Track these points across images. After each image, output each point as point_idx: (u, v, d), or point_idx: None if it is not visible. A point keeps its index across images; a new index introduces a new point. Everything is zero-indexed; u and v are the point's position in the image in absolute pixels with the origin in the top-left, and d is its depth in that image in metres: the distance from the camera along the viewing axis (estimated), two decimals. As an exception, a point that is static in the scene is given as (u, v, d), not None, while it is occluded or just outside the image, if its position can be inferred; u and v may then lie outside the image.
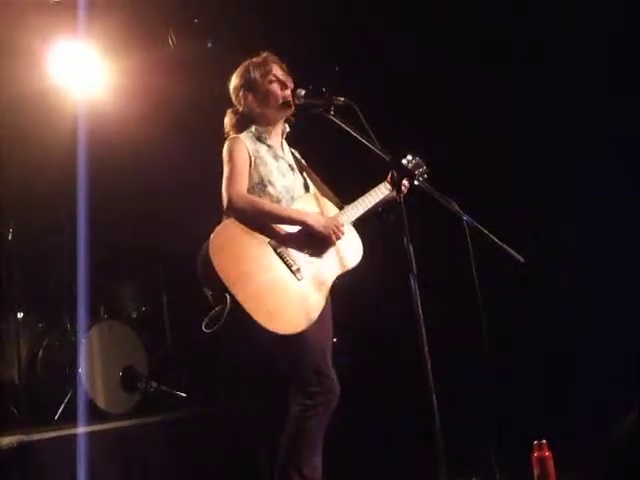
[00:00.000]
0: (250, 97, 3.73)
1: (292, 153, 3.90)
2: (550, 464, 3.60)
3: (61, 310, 5.95)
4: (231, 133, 3.76)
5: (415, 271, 3.04)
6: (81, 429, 4.60)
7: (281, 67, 3.79)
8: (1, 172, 5.69)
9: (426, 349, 2.97)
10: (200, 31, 6.08)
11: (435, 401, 2.94)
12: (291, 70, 3.81)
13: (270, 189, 3.59)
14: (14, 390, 5.47)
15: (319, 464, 3.52)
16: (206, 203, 3.60)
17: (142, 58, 5.83)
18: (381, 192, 3.83)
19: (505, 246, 3.25)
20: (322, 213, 3.69)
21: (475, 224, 3.23)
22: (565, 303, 4.98)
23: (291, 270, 3.41)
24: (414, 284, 3.03)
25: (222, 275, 3.23)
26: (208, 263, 3.25)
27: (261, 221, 3.46)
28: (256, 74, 3.72)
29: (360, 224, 3.79)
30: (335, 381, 3.46)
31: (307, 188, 3.78)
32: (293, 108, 3.73)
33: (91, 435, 4.54)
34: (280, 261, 3.42)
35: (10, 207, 5.77)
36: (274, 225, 3.49)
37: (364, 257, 3.66)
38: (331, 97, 3.50)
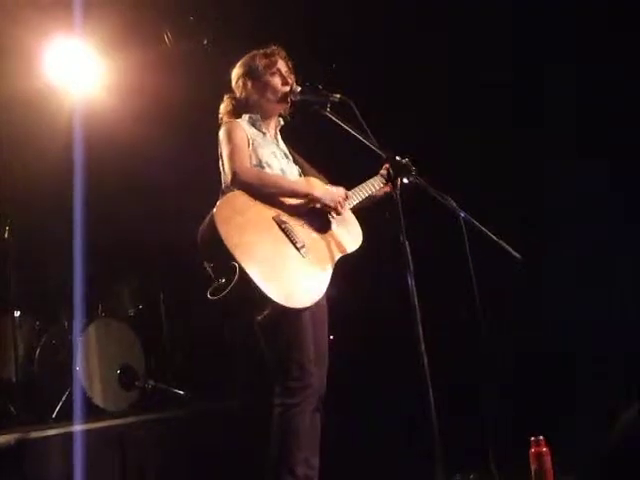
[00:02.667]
0: (250, 85, 3.74)
1: (286, 145, 3.90)
2: (547, 460, 3.60)
3: (58, 308, 5.96)
4: (225, 118, 3.76)
5: (412, 268, 3.04)
6: (78, 427, 4.60)
7: (287, 64, 3.80)
8: (-2, 171, 5.71)
9: (423, 346, 2.97)
10: (196, 29, 6.07)
11: (432, 398, 2.94)
12: (296, 70, 3.81)
13: (268, 170, 3.59)
14: (12, 388, 5.49)
15: (316, 462, 3.51)
16: (204, 200, 3.58)
17: (138, 56, 5.84)
18: (377, 184, 3.84)
19: (502, 242, 3.26)
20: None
21: (472, 220, 3.24)
22: (565, 299, 4.99)
23: (295, 247, 3.38)
24: (411, 281, 3.03)
25: (228, 243, 3.18)
26: (213, 232, 3.21)
27: (267, 192, 3.44)
28: (261, 63, 3.74)
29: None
30: (316, 378, 3.44)
31: (301, 176, 3.79)
32: (289, 104, 3.74)
33: (88, 433, 4.54)
34: (285, 237, 3.39)
35: (7, 205, 5.77)
36: (280, 198, 3.48)
37: (361, 249, 3.65)
38: (327, 94, 3.52)
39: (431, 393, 2.94)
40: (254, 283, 3.14)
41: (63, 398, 5.36)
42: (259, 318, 3.35)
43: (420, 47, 5.49)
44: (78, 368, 5.41)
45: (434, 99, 5.45)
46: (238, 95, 3.80)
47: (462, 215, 3.24)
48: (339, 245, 3.60)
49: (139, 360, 5.87)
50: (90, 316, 5.81)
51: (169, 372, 6.17)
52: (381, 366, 5.42)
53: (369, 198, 3.83)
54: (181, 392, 5.92)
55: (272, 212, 3.43)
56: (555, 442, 3.61)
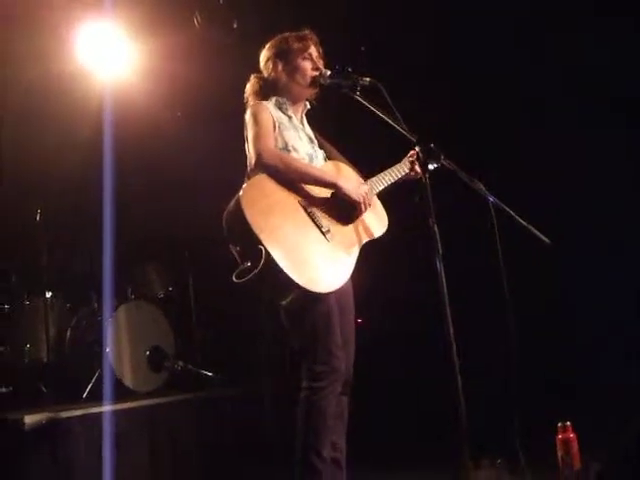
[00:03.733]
0: (280, 66, 3.71)
1: (312, 129, 3.88)
2: (574, 446, 3.60)
3: (89, 290, 6.02)
4: (250, 99, 3.74)
5: (441, 251, 3.03)
6: (108, 407, 4.65)
7: (318, 49, 3.77)
8: (29, 154, 5.75)
9: (451, 331, 2.97)
10: (226, 12, 6.06)
11: (460, 383, 2.94)
12: (325, 56, 3.80)
13: (294, 154, 3.57)
14: (43, 369, 5.57)
15: (343, 444, 3.54)
16: (232, 186, 3.59)
17: (168, 40, 5.84)
18: (403, 170, 3.82)
19: (531, 227, 3.23)
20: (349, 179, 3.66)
21: (501, 204, 3.22)
22: (594, 285, 4.96)
23: (321, 231, 3.38)
24: (439, 265, 3.02)
25: (254, 226, 3.17)
26: (239, 216, 3.20)
27: (292, 177, 3.42)
28: (293, 46, 3.70)
29: (385, 203, 3.78)
30: (342, 363, 3.43)
31: (326, 161, 3.76)
32: (317, 89, 3.73)
33: (118, 413, 4.61)
34: (311, 221, 3.39)
35: (37, 189, 5.83)
36: (304, 185, 3.46)
37: (389, 234, 3.65)
38: (357, 77, 3.48)
39: (459, 378, 2.94)
40: (279, 267, 3.15)
41: (93, 379, 5.42)
42: (284, 303, 3.36)
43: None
44: (108, 349, 5.46)
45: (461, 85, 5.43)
46: (266, 76, 3.77)
47: (491, 199, 3.22)
48: (366, 229, 3.59)
49: (168, 342, 5.91)
50: (120, 298, 5.88)
51: (198, 354, 6.21)
52: (410, 351, 5.42)
53: (397, 182, 3.80)
54: (210, 374, 5.96)
55: (297, 196, 3.42)
56: (582, 428, 3.61)
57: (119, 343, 5.60)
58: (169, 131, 6.07)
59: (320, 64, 3.72)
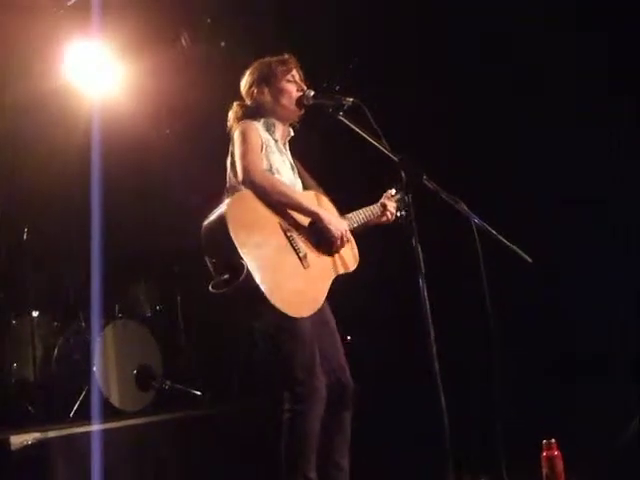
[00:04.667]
0: (266, 91, 3.73)
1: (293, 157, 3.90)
2: (559, 463, 3.60)
3: (76, 309, 6.00)
4: (234, 127, 3.73)
5: (423, 270, 3.05)
6: (96, 427, 4.64)
7: (299, 72, 3.80)
8: (16, 172, 5.75)
9: (434, 348, 2.98)
10: (213, 31, 6.10)
11: (443, 400, 2.95)
12: (306, 76, 3.83)
13: (278, 177, 3.58)
14: (30, 388, 5.54)
15: (344, 463, 3.55)
16: (220, 203, 3.60)
17: (155, 59, 5.87)
18: (376, 212, 3.86)
19: (513, 246, 3.25)
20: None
21: (483, 224, 3.23)
22: (574, 302, 4.99)
23: (298, 256, 3.41)
24: (422, 283, 3.04)
25: (237, 241, 3.20)
26: (221, 229, 3.23)
27: (277, 199, 3.43)
28: (277, 70, 3.74)
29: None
30: (323, 382, 3.43)
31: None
32: (302, 111, 3.75)
33: (106, 432, 4.58)
34: (289, 244, 3.41)
35: (25, 207, 5.83)
36: (286, 208, 3.47)
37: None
38: (340, 98, 3.51)
39: (442, 396, 2.95)
40: (257, 285, 3.18)
41: (80, 398, 5.40)
42: (257, 324, 3.38)
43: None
44: (95, 368, 5.44)
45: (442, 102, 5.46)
46: (250, 102, 3.79)
47: (474, 219, 3.24)
48: (342, 261, 3.62)
49: (156, 360, 5.90)
50: (107, 317, 5.85)
51: (186, 373, 6.20)
52: (392, 369, 5.43)
53: (365, 224, 3.83)
54: (198, 392, 5.95)
55: (279, 218, 3.44)
56: (567, 445, 3.62)
57: (106, 362, 5.59)
58: (157, 149, 6.10)
59: (303, 86, 3.75)
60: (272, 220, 3.42)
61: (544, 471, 3.62)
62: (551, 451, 3.61)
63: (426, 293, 3.03)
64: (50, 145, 5.94)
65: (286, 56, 3.81)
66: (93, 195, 5.69)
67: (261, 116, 3.74)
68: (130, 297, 6.29)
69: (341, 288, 3.56)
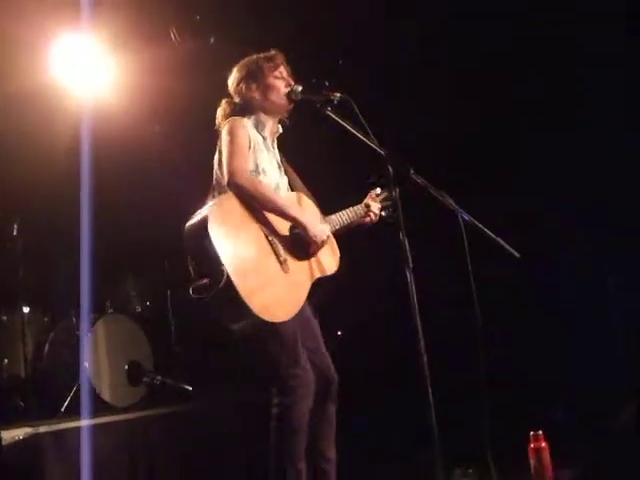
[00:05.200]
0: (254, 87, 3.73)
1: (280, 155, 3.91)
2: (546, 455, 3.64)
3: (67, 304, 5.99)
4: (222, 122, 3.73)
5: (411, 264, 3.07)
6: (87, 422, 4.65)
7: (286, 68, 3.81)
8: (4, 168, 5.74)
9: (422, 342, 3.00)
10: (202, 27, 6.09)
11: (431, 393, 2.98)
12: (293, 71, 3.84)
13: (263, 178, 3.59)
14: (21, 384, 5.55)
15: (332, 455, 3.59)
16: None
17: (145, 54, 5.84)
18: (359, 212, 3.89)
19: (500, 240, 3.27)
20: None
21: (470, 219, 3.25)
22: (562, 296, 5.02)
23: (279, 260, 3.43)
24: (410, 277, 3.06)
25: (218, 246, 3.22)
26: (204, 232, 3.24)
27: (259, 203, 3.45)
28: (264, 66, 3.74)
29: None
30: (310, 373, 3.47)
31: (289, 190, 3.80)
32: (291, 106, 3.76)
33: (97, 427, 4.59)
34: (270, 248, 3.43)
35: (14, 202, 5.81)
36: (269, 213, 3.49)
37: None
38: (328, 93, 3.52)
39: (430, 386, 2.98)
40: (237, 290, 3.19)
41: (71, 393, 5.40)
42: (236, 327, 3.39)
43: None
44: (86, 363, 5.45)
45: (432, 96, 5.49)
46: (238, 99, 3.79)
47: (461, 214, 3.26)
48: (320, 266, 3.63)
49: (147, 356, 5.92)
50: (98, 312, 5.86)
51: (176, 367, 6.21)
52: (379, 362, 5.46)
53: (348, 225, 3.86)
54: (188, 387, 5.96)
55: (260, 222, 3.46)
56: (554, 437, 3.65)
57: (97, 357, 5.60)
58: (147, 145, 6.08)
59: (291, 81, 3.76)
60: (254, 225, 3.44)
61: (532, 462, 3.66)
62: (538, 443, 3.66)
63: (414, 287, 3.05)
64: (40, 142, 5.91)
65: (273, 52, 3.81)
66: (82, 191, 5.68)
67: (250, 113, 3.74)
68: (121, 292, 6.30)
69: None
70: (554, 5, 5.03)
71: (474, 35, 5.35)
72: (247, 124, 3.65)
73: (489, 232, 3.28)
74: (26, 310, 5.70)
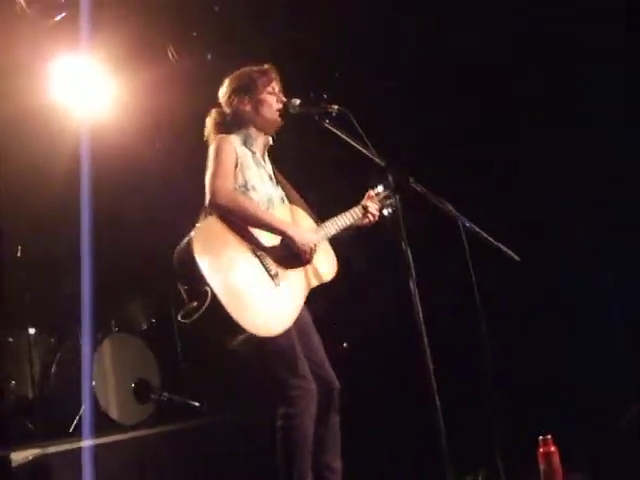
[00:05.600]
0: (246, 100, 3.73)
1: (272, 166, 3.92)
2: (556, 459, 3.63)
3: (73, 325, 6.00)
4: (212, 134, 3.75)
5: (414, 274, 3.08)
6: (95, 441, 4.65)
7: (278, 83, 3.81)
8: (6, 190, 5.75)
9: (428, 350, 3.01)
10: (199, 44, 6.12)
11: (438, 399, 2.98)
12: (289, 85, 3.85)
13: (253, 194, 3.59)
14: (29, 405, 5.55)
15: (337, 465, 3.56)
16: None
17: (143, 73, 5.88)
18: (356, 214, 3.87)
19: (500, 245, 3.28)
20: (301, 225, 3.71)
21: (470, 224, 3.26)
22: (567, 298, 5.02)
23: (269, 274, 3.43)
24: (413, 287, 3.07)
25: (202, 268, 3.23)
26: (188, 256, 3.27)
27: (242, 221, 3.45)
28: (257, 80, 3.74)
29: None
30: (312, 382, 3.46)
31: (284, 201, 3.80)
32: (282, 122, 3.77)
33: (105, 446, 4.61)
34: (259, 263, 3.44)
35: (17, 225, 5.83)
36: (255, 228, 3.49)
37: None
38: (326, 106, 3.53)
39: (437, 394, 2.98)
40: (225, 310, 3.21)
41: (80, 413, 5.40)
42: (233, 344, 3.38)
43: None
44: (94, 383, 5.46)
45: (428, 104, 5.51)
46: (229, 111, 3.79)
47: (461, 220, 3.27)
48: (316, 274, 3.63)
49: (153, 373, 5.92)
50: (104, 331, 5.87)
51: (183, 384, 6.21)
52: (387, 369, 5.45)
53: (347, 229, 3.85)
54: (196, 403, 5.96)
55: (247, 239, 3.46)
56: (563, 441, 3.64)
57: (104, 376, 5.60)
58: (146, 164, 6.10)
59: (282, 97, 3.76)
60: (240, 243, 3.44)
61: (541, 467, 3.65)
62: (547, 447, 3.65)
63: (417, 295, 3.06)
64: (39, 163, 5.93)
65: (266, 66, 3.82)
66: (83, 211, 5.70)
67: (239, 127, 3.75)
68: (126, 311, 6.31)
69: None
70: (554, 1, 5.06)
71: (473, 31, 5.36)
72: (235, 140, 3.65)
73: (489, 237, 3.29)
74: (32, 331, 5.71)
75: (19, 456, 4.24)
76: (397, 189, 3.27)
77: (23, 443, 4.82)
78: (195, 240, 3.30)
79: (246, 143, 3.71)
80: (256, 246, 3.47)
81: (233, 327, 3.23)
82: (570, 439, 3.75)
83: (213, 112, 3.84)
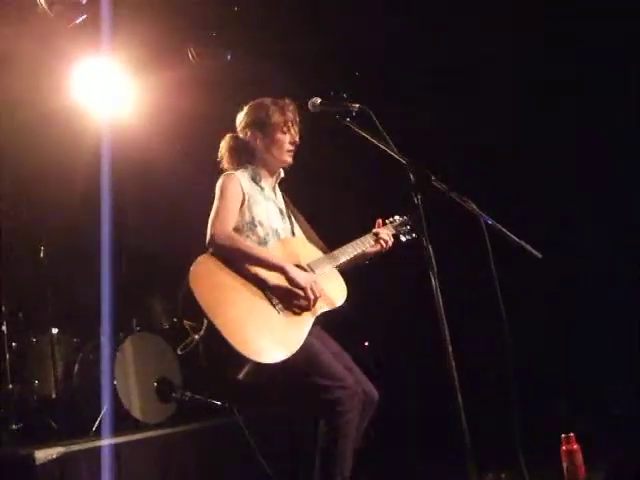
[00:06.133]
0: (259, 137, 3.78)
1: (283, 197, 3.95)
2: (579, 457, 3.62)
3: (95, 324, 6.03)
4: (225, 160, 3.81)
5: (435, 269, 3.08)
6: (118, 439, 4.67)
7: (295, 117, 3.83)
8: (29, 192, 5.81)
9: (450, 348, 3.01)
10: (218, 44, 6.14)
11: (461, 399, 2.98)
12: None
13: (259, 229, 3.64)
14: (52, 404, 5.59)
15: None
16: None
17: (163, 75, 5.92)
18: (368, 242, 3.88)
19: (522, 242, 3.27)
20: (306, 257, 3.72)
21: (492, 222, 3.26)
22: (593, 297, 5.00)
23: (271, 303, 3.45)
24: (435, 282, 3.07)
25: (201, 302, 3.29)
26: (188, 292, 3.32)
27: (239, 261, 3.47)
28: (273, 119, 3.77)
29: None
30: (351, 379, 3.46)
31: (294, 234, 3.83)
32: (291, 163, 3.82)
33: (128, 445, 4.62)
34: (261, 293, 3.46)
35: (40, 226, 5.88)
36: (253, 268, 3.49)
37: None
38: (346, 105, 3.53)
39: (459, 393, 2.98)
40: (226, 341, 3.24)
41: (102, 412, 5.43)
42: (241, 376, 3.38)
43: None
44: (116, 382, 5.49)
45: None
46: (243, 139, 3.84)
47: (483, 217, 3.26)
48: (325, 299, 3.61)
49: (175, 372, 5.93)
50: (125, 330, 5.91)
51: (205, 383, 6.22)
52: (409, 367, 5.45)
53: (359, 257, 3.85)
54: (218, 402, 5.96)
55: (247, 275, 3.46)
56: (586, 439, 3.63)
57: (126, 375, 5.63)
58: (167, 164, 6.12)
59: (297, 136, 3.80)
60: (240, 278, 3.45)
61: (564, 465, 3.64)
62: (570, 445, 3.64)
63: (439, 292, 3.06)
64: (62, 164, 5.98)
65: (286, 101, 3.84)
66: (104, 211, 5.73)
67: (250, 160, 3.79)
68: (147, 310, 6.32)
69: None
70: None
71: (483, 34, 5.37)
72: (242, 178, 3.69)
73: (511, 235, 3.27)
74: (55, 331, 5.75)
75: (43, 454, 4.25)
76: (418, 187, 3.26)
77: (47, 441, 4.86)
78: (192, 274, 3.37)
79: (255, 179, 3.75)
80: (257, 281, 3.47)
81: (239, 358, 3.24)
82: (593, 437, 3.72)
83: (228, 137, 3.88)
